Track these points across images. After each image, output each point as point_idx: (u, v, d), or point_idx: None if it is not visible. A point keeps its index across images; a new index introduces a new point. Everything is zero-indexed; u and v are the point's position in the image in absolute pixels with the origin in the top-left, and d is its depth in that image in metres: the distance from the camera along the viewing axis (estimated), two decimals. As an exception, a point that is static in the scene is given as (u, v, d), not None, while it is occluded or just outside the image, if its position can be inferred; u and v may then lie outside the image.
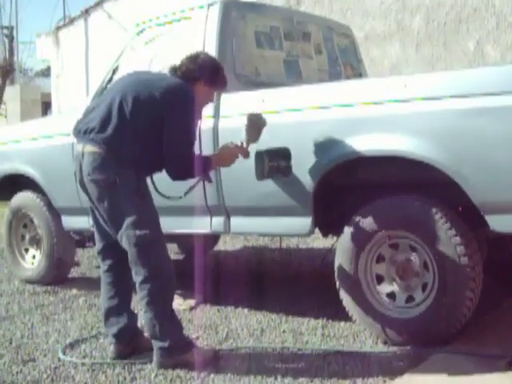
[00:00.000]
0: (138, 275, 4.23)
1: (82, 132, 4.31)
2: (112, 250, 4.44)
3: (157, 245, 4.25)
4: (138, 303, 4.40)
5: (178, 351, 4.23)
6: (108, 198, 4.22)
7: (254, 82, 5.32)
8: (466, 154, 4.07)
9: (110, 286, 4.52)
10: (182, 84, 4.31)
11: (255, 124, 4.55)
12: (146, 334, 4.39)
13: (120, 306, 4.50)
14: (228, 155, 4.54)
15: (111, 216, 4.27)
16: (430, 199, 4.38)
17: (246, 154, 4.57)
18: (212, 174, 4.76)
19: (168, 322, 4.25)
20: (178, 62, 4.45)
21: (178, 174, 4.31)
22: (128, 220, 4.18)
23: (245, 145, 4.55)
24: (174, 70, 4.43)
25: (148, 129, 4.22)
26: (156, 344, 4.25)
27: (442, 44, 10.40)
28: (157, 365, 4.23)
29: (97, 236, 4.58)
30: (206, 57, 4.49)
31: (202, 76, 4.37)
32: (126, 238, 4.21)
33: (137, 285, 4.26)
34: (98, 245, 4.58)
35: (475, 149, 4.04)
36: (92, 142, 4.21)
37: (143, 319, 4.33)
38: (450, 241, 4.23)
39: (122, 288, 4.50)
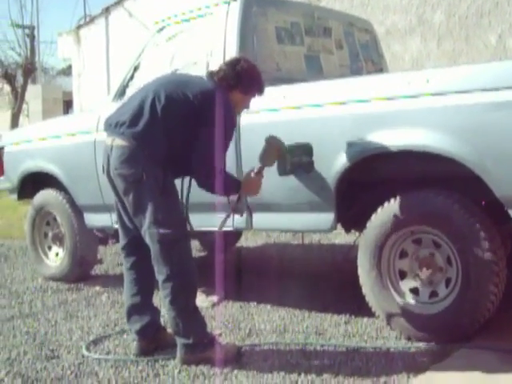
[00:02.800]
0: (160, 273, 4.24)
1: (112, 125, 4.29)
2: (136, 247, 4.44)
3: (180, 243, 4.23)
4: (161, 300, 4.41)
5: (202, 348, 4.23)
6: (133, 193, 4.21)
7: (275, 78, 5.30)
8: (489, 148, 4.03)
9: (133, 284, 4.53)
10: (216, 89, 4.24)
11: (273, 147, 4.48)
12: (169, 330, 4.40)
13: (143, 304, 4.51)
14: (255, 184, 4.44)
15: (136, 211, 4.26)
16: (453, 194, 4.36)
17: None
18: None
19: (191, 319, 4.26)
20: (216, 67, 4.42)
21: (201, 182, 4.29)
22: (152, 218, 4.17)
23: (258, 168, 4.47)
24: (211, 74, 4.38)
25: (178, 128, 4.18)
26: (179, 340, 4.25)
27: (464, 38, 10.34)
28: (180, 361, 4.24)
29: (121, 232, 4.57)
30: (245, 63, 4.37)
31: (239, 84, 4.31)
32: (149, 235, 4.21)
33: (159, 283, 4.26)
34: (122, 241, 4.58)
35: (498, 143, 4.00)
36: (122, 136, 4.19)
37: (167, 316, 4.34)
38: (473, 235, 4.20)
39: (144, 285, 4.50)
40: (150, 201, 4.16)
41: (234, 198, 4.52)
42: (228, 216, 4.62)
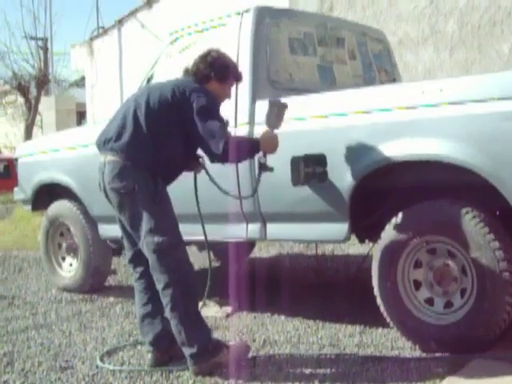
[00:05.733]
0: (159, 282, 4.28)
1: (102, 143, 4.41)
2: (142, 257, 4.45)
3: (176, 250, 4.28)
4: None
5: (208, 356, 4.24)
6: (128, 205, 4.29)
7: (288, 88, 5.32)
8: (504, 158, 4.02)
9: (143, 293, 4.55)
10: (189, 80, 4.41)
11: (277, 109, 4.49)
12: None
13: (154, 312, 4.51)
14: (274, 140, 4.40)
15: (132, 224, 4.33)
16: (468, 203, 4.34)
17: None
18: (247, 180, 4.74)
19: (193, 325, 4.27)
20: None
21: (216, 155, 4.24)
22: (147, 227, 4.24)
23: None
24: (186, 71, 4.51)
25: (162, 132, 4.27)
26: (186, 351, 4.27)
27: (477, 48, 10.32)
28: (192, 373, 4.24)
29: (126, 245, 4.62)
30: (215, 54, 4.50)
31: (213, 73, 4.42)
32: (145, 245, 4.28)
33: (159, 292, 4.30)
34: (128, 253, 4.62)
35: (513, 152, 3.99)
36: (111, 152, 4.30)
37: (171, 326, 4.34)
38: (488, 245, 4.18)
39: (154, 293, 4.49)
40: (144, 210, 4.24)
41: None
42: (260, 175, 4.58)
